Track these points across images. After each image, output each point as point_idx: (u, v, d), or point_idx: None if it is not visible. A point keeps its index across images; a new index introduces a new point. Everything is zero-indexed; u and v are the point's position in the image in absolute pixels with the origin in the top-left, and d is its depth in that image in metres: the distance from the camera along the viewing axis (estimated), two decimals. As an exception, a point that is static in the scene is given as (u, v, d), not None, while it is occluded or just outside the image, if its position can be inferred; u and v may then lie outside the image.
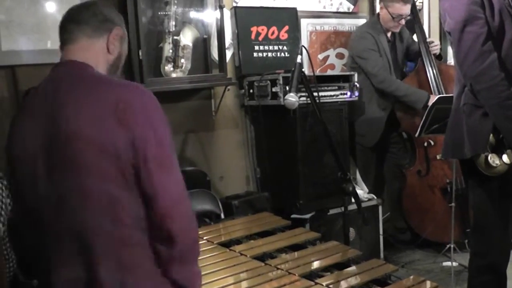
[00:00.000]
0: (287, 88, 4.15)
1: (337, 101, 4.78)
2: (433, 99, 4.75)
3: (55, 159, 1.95)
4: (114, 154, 1.87)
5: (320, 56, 5.61)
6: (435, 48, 5.44)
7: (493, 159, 3.10)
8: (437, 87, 5.25)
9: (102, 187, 1.89)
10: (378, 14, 5.41)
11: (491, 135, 3.10)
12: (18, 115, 2.18)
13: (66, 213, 1.95)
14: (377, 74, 5.18)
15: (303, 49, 3.73)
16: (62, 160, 1.93)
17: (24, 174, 2.05)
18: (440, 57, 5.58)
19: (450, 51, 6.19)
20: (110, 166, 1.88)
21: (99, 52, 2.14)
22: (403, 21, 5.30)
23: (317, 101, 3.74)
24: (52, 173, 1.96)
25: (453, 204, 4.82)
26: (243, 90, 4.94)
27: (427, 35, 5.60)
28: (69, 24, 2.15)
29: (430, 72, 5.30)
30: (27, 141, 2.04)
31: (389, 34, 5.39)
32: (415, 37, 5.62)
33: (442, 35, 6.24)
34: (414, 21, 5.48)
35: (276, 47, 5.12)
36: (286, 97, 3.61)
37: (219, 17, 4.66)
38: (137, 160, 1.88)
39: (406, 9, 5.24)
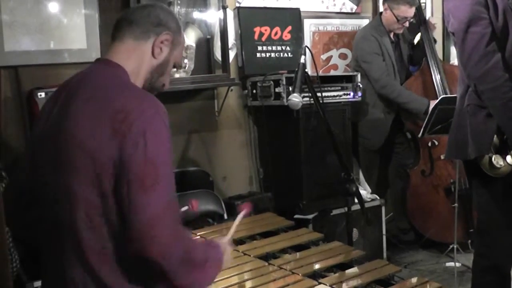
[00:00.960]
0: (291, 88, 4.16)
1: (340, 102, 4.79)
2: (433, 105, 4.76)
3: (54, 154, 1.96)
4: (102, 164, 1.84)
5: (323, 57, 5.61)
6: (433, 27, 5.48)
7: (497, 160, 3.09)
8: (441, 87, 5.25)
9: (85, 193, 1.87)
10: (381, 14, 5.40)
11: (495, 136, 3.10)
12: (49, 98, 2.18)
13: (56, 208, 1.97)
14: (379, 79, 5.18)
15: (307, 49, 3.73)
16: (59, 157, 1.94)
17: (37, 158, 2.07)
18: (434, 41, 5.57)
19: (453, 51, 6.19)
20: (95, 173, 1.85)
21: (143, 55, 2.11)
22: (407, 23, 5.30)
23: (321, 101, 3.74)
24: (54, 166, 1.97)
25: (456, 204, 4.81)
26: (246, 91, 4.94)
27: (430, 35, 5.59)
28: (122, 22, 2.14)
29: (435, 72, 5.30)
30: (43, 126, 2.07)
31: (392, 35, 5.39)
32: (418, 36, 5.61)
33: (445, 35, 6.24)
34: (419, 21, 5.46)
35: (279, 48, 5.12)
36: (289, 97, 3.60)
37: (222, 17, 4.67)
38: (121, 175, 1.83)
39: (411, 12, 5.25)
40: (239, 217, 2.63)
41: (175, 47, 2.19)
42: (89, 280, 1.91)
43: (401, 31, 5.40)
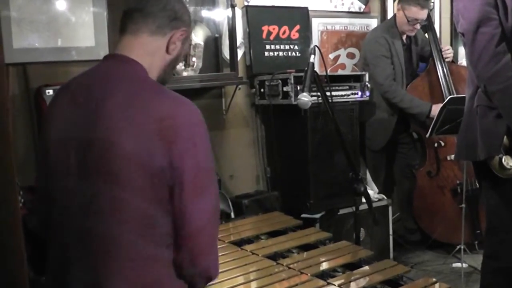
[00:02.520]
0: (299, 87, 4.16)
1: (348, 101, 4.77)
2: (436, 109, 4.75)
3: (89, 162, 1.89)
4: (153, 172, 1.81)
5: (331, 56, 5.61)
6: (449, 55, 5.42)
7: (507, 161, 3.08)
8: (447, 87, 5.24)
9: (136, 203, 1.84)
10: (395, 15, 5.38)
11: (505, 136, 3.08)
12: (59, 95, 2.14)
13: (93, 216, 1.90)
14: (383, 84, 5.17)
15: (316, 49, 3.73)
16: (96, 165, 1.87)
17: (56, 161, 2.00)
18: (454, 63, 5.57)
19: (461, 51, 6.18)
20: (146, 183, 1.82)
21: (157, 51, 2.07)
22: (418, 26, 5.27)
23: (330, 100, 3.74)
24: (84, 174, 1.90)
25: (463, 205, 4.81)
26: (254, 89, 4.94)
27: (439, 40, 5.58)
28: (136, 13, 2.06)
29: (441, 73, 5.29)
30: (62, 128, 2.00)
31: (404, 37, 5.38)
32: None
33: (453, 36, 6.23)
34: (427, 24, 5.44)
35: (287, 47, 5.12)
36: (299, 96, 3.60)
37: (230, 16, 4.67)
38: (173, 182, 1.83)
39: (423, 14, 5.22)
40: None
41: (187, 40, 2.17)
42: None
43: (412, 34, 5.36)
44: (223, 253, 3.16)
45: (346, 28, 5.70)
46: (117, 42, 2.11)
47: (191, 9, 4.56)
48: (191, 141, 1.84)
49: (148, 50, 2.05)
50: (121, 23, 2.11)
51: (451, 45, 6.19)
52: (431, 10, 5.80)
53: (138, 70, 2.00)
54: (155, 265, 1.88)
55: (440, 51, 5.34)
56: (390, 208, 4.99)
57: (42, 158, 2.12)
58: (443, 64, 5.30)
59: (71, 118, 1.97)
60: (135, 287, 1.88)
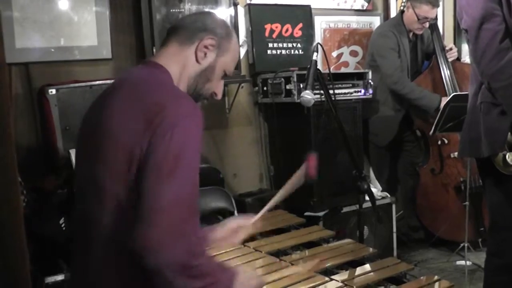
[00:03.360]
0: (302, 85, 4.16)
1: (351, 99, 4.77)
2: (445, 102, 4.74)
3: (92, 147, 1.96)
4: (134, 155, 1.83)
5: (334, 54, 5.60)
6: (453, 54, 5.40)
7: (511, 158, 3.07)
8: (451, 85, 5.23)
9: (117, 187, 1.87)
10: (402, 12, 5.37)
11: (509, 133, 3.07)
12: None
13: (85, 200, 1.99)
14: (392, 75, 5.16)
15: (319, 46, 3.72)
16: (94, 151, 1.94)
17: (80, 154, 2.14)
18: (458, 60, 5.55)
19: (464, 48, 6.17)
20: (127, 167, 1.84)
21: (186, 60, 2.10)
22: (427, 24, 5.26)
23: (333, 98, 3.74)
24: (88, 158, 2.00)
25: (467, 202, 4.80)
26: (256, 88, 4.94)
27: (442, 37, 5.57)
28: (171, 28, 2.18)
29: (444, 70, 5.28)
30: (88, 120, 2.11)
31: (411, 35, 5.37)
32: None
33: (457, 33, 6.22)
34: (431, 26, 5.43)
35: (290, 45, 5.12)
36: (302, 94, 3.60)
37: (233, 14, 4.66)
38: (143, 164, 1.82)
39: (433, 13, 5.21)
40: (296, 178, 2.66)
41: (223, 53, 2.15)
42: (114, 276, 1.90)
43: (420, 32, 5.35)
44: (226, 250, 3.17)
45: (349, 26, 5.69)
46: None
47: (193, 7, 4.56)
48: (171, 128, 1.81)
49: (177, 59, 2.10)
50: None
51: (454, 42, 6.17)
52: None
53: (163, 74, 2.06)
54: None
55: (443, 48, 5.33)
56: (393, 206, 4.98)
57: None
58: (447, 62, 5.30)
59: (93, 111, 2.09)
60: (122, 275, 1.89)
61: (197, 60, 2.11)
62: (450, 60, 5.34)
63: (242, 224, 2.53)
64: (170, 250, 1.74)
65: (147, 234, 1.73)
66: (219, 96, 2.23)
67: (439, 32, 5.45)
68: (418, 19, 5.19)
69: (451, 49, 5.39)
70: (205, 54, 2.11)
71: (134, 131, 1.83)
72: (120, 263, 1.87)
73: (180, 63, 2.10)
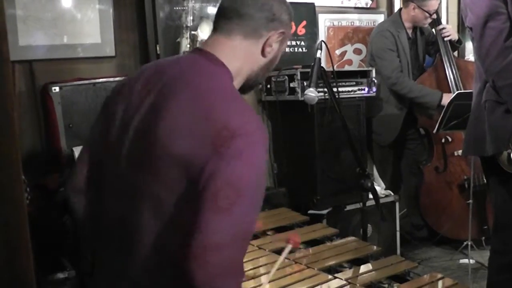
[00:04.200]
0: (305, 83, 4.15)
1: (355, 97, 4.77)
2: (446, 98, 4.73)
3: (140, 154, 1.82)
4: (193, 177, 1.68)
5: (338, 52, 5.60)
6: (448, 33, 5.38)
7: (515, 156, 3.07)
8: (455, 83, 5.22)
9: (170, 202, 1.74)
10: (400, 10, 5.37)
11: (514, 132, 3.07)
12: (138, 74, 1.99)
13: (126, 204, 1.85)
14: (390, 76, 5.16)
15: (323, 44, 3.72)
16: (142, 158, 1.80)
17: (114, 142, 1.92)
18: (460, 42, 5.55)
19: (468, 46, 6.16)
20: (185, 187, 1.71)
21: (251, 55, 1.95)
22: (435, 15, 5.28)
23: (337, 96, 3.73)
24: (132, 163, 1.84)
25: (470, 201, 4.79)
26: (260, 85, 4.92)
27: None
28: (231, 12, 1.94)
29: (448, 69, 5.27)
30: (127, 111, 1.91)
31: (410, 31, 5.36)
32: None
33: (461, 30, 6.21)
34: (435, 19, 5.42)
35: (293, 42, 5.12)
36: (305, 92, 3.60)
37: (237, 12, 4.64)
38: (201, 187, 1.67)
39: (438, 2, 5.29)
40: (285, 252, 2.48)
41: (285, 40, 2.03)
42: (152, 278, 1.81)
43: (427, 24, 5.39)
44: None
45: (353, 23, 5.69)
46: (209, 38, 2.01)
47: (197, 5, 4.55)
48: (238, 156, 1.66)
49: (240, 54, 1.94)
50: (215, 19, 2.00)
51: (459, 39, 6.16)
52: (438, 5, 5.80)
53: (223, 74, 1.89)
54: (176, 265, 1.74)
55: (447, 46, 5.32)
56: (397, 204, 4.98)
57: (99, 136, 2.02)
58: (451, 60, 5.29)
59: (137, 103, 1.89)
60: (155, 280, 1.81)
61: (263, 54, 1.97)
62: (446, 40, 5.34)
63: None
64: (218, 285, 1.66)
65: (197, 272, 1.62)
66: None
67: (440, 22, 5.43)
68: (430, 15, 5.20)
69: (443, 28, 5.37)
70: (272, 47, 1.98)
71: (200, 153, 1.68)
72: (162, 269, 1.79)
73: (243, 59, 1.94)
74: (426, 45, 5.58)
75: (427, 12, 5.18)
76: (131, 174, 1.84)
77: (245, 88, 2.03)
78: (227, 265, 1.66)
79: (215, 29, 1.98)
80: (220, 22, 1.96)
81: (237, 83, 1.96)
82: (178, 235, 1.71)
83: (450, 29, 5.41)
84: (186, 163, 1.69)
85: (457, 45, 5.50)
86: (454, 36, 5.41)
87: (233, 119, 1.71)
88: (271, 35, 1.95)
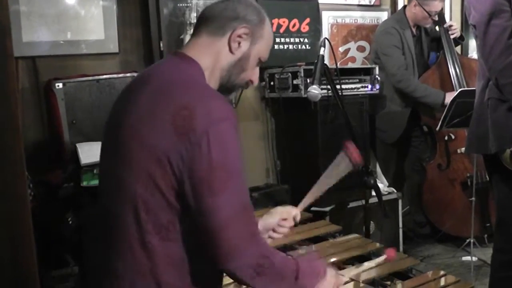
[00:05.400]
0: (309, 80, 4.15)
1: (358, 94, 4.77)
2: (449, 97, 4.73)
3: (115, 145, 1.91)
4: (160, 160, 1.76)
5: (341, 49, 5.60)
6: (455, 31, 5.39)
7: (518, 154, 3.07)
8: (458, 81, 5.22)
9: (136, 187, 1.81)
10: (404, 7, 5.37)
11: (517, 129, 3.07)
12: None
13: (106, 195, 1.96)
14: (396, 74, 5.15)
15: (326, 41, 3.72)
16: (116, 148, 1.90)
17: (104, 143, 2.06)
18: (462, 38, 5.55)
19: (471, 44, 6.16)
20: (153, 170, 1.78)
21: (219, 51, 2.00)
22: (436, 17, 5.27)
23: (340, 94, 3.73)
24: (111, 155, 1.95)
25: (473, 198, 4.79)
26: (263, 82, 4.93)
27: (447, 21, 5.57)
28: (201, 17, 2.06)
29: (452, 66, 5.27)
30: (113, 114, 2.03)
31: (414, 29, 5.36)
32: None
33: (464, 28, 6.20)
34: (439, 17, 5.40)
35: (297, 40, 5.12)
36: (309, 89, 3.60)
37: (240, 9, 4.65)
38: (182, 176, 1.75)
39: (442, 4, 5.26)
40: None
41: (257, 40, 2.05)
42: (130, 272, 1.86)
43: (428, 25, 5.37)
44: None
45: (356, 21, 5.68)
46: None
47: (200, 2, 4.56)
48: (205, 135, 1.72)
49: (208, 50, 2.00)
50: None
51: (463, 36, 6.16)
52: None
53: (193, 68, 1.97)
54: (151, 254, 1.84)
55: (451, 44, 5.32)
56: (400, 202, 4.98)
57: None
58: (454, 57, 5.28)
59: (119, 105, 2.00)
60: (131, 271, 1.86)
61: (230, 51, 2.01)
62: (452, 37, 5.35)
63: (288, 214, 2.55)
64: (242, 257, 1.78)
65: (219, 254, 1.76)
66: (255, 83, 2.15)
67: (444, 21, 5.42)
68: (430, 15, 5.19)
69: (451, 26, 5.37)
70: (239, 43, 2.01)
71: (162, 134, 1.76)
72: (141, 259, 1.85)
73: (212, 55, 2.00)
74: (430, 42, 5.57)
75: (427, 12, 5.17)
76: (110, 167, 1.94)
77: (222, 89, 2.06)
78: (240, 237, 1.77)
79: (190, 37, 2.09)
80: (193, 30, 2.09)
81: (211, 80, 2.02)
82: (157, 229, 1.82)
83: (457, 27, 5.42)
84: (150, 147, 1.78)
85: (460, 41, 5.52)
86: (458, 32, 5.43)
87: (194, 99, 1.79)
88: (234, 31, 2.00)
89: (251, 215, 1.83)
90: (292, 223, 2.56)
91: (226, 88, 2.06)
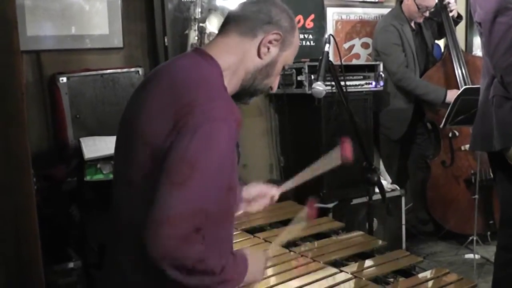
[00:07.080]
0: (313, 77, 4.15)
1: (362, 91, 4.76)
2: (451, 95, 4.73)
3: (122, 142, 1.93)
4: (160, 156, 1.72)
5: (345, 46, 5.59)
6: (453, 9, 5.37)
7: (523, 152, 3.07)
8: (463, 78, 5.21)
9: (143, 184, 1.79)
10: (401, 2, 5.35)
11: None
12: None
13: (118, 195, 1.94)
14: (396, 72, 5.15)
15: (331, 38, 3.71)
16: (124, 146, 1.89)
17: (117, 141, 2.01)
18: (460, 17, 5.53)
19: (475, 41, 6.15)
20: (155, 167, 1.73)
21: (246, 53, 1.94)
22: (427, 13, 5.25)
23: (344, 90, 3.73)
24: (118, 154, 1.96)
25: (476, 196, 4.79)
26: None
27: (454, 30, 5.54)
28: (231, 15, 2.00)
29: (457, 64, 5.25)
30: (126, 111, 1.98)
31: (412, 23, 5.35)
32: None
33: (469, 26, 6.19)
34: (443, 14, 5.39)
35: (301, 36, 5.11)
36: (313, 85, 3.60)
37: (245, 5, 4.64)
38: (161, 160, 1.72)
39: (433, 2, 5.21)
40: (299, 215, 2.48)
41: (286, 48, 2.00)
42: (132, 266, 1.83)
43: (421, 20, 5.34)
44: (236, 241, 3.15)
45: (360, 18, 5.68)
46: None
47: (206, -3, 4.56)
48: (193, 131, 1.68)
49: (233, 50, 1.95)
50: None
51: (466, 34, 6.16)
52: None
53: (209, 66, 1.90)
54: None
55: (454, 38, 5.30)
56: (403, 199, 4.97)
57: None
58: (459, 54, 5.27)
59: (132, 101, 1.97)
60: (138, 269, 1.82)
61: (259, 55, 1.96)
62: (451, 14, 5.34)
63: (266, 192, 2.54)
64: (176, 262, 1.68)
65: (150, 244, 1.65)
66: (275, 89, 2.12)
67: (451, 23, 5.41)
68: (419, 9, 5.18)
69: (449, 3, 5.35)
70: (268, 49, 1.96)
71: (163, 132, 1.73)
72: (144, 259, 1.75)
73: (238, 56, 1.94)
74: (431, 34, 5.55)
75: (417, 5, 5.15)
76: (119, 164, 1.95)
77: (244, 93, 2.04)
78: (181, 239, 1.66)
79: (218, 33, 2.03)
80: (221, 28, 2.01)
81: (232, 80, 1.96)
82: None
83: (454, 4, 5.42)
84: (154, 145, 1.75)
85: (458, 20, 5.48)
86: (455, 11, 5.41)
87: (198, 98, 1.75)
88: (266, 35, 1.95)
89: (211, 223, 1.76)
90: (268, 202, 2.54)
91: (248, 91, 2.04)
